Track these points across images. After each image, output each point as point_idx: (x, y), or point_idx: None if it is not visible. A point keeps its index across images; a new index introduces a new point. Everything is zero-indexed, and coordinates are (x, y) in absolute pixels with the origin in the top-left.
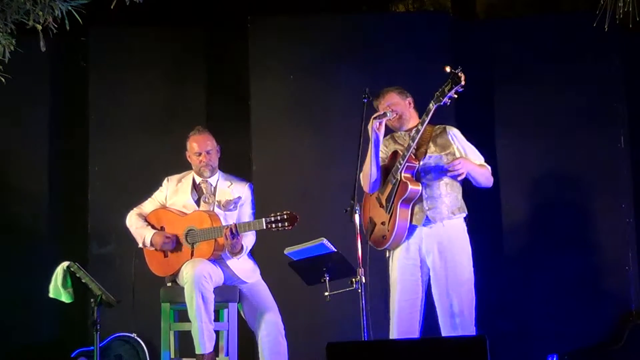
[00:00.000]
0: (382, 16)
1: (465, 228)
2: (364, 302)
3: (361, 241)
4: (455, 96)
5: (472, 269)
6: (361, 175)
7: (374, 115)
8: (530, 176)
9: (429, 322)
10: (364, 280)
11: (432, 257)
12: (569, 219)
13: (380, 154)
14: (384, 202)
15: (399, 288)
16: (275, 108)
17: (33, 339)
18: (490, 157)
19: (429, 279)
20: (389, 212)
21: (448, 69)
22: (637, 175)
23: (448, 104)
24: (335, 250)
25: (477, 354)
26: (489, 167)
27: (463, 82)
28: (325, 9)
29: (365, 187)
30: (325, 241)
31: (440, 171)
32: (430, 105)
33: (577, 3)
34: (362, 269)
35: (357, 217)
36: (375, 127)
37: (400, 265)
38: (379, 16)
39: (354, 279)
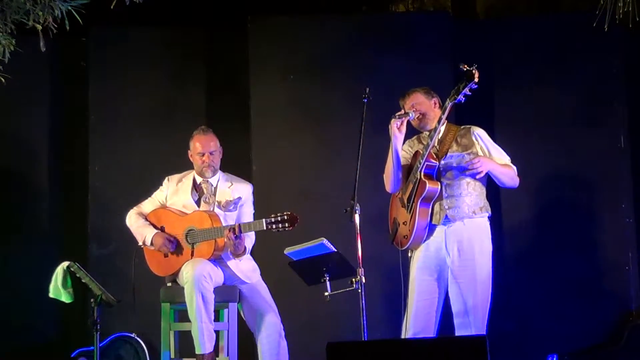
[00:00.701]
0: (382, 16)
1: (489, 227)
2: (364, 302)
3: (361, 241)
4: (470, 93)
5: (490, 269)
6: (384, 175)
7: (397, 114)
8: (530, 176)
9: (445, 322)
10: (364, 280)
11: (451, 256)
12: (569, 218)
13: (404, 154)
14: (405, 202)
15: (416, 288)
16: (275, 108)
17: (33, 339)
18: None
19: (448, 279)
20: (409, 212)
21: (463, 67)
22: (637, 175)
23: (463, 101)
24: (335, 250)
25: (477, 354)
26: (515, 168)
27: (476, 79)
28: (325, 9)
29: (387, 186)
30: (325, 241)
31: (461, 170)
32: (446, 103)
33: (577, 3)
34: (362, 269)
35: (357, 217)
36: (397, 126)
37: (419, 265)
38: (379, 16)
39: (354, 279)
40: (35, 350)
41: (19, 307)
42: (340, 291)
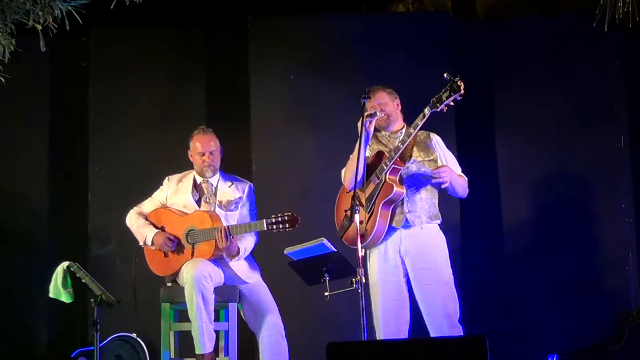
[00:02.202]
0: (382, 16)
1: (442, 233)
2: (364, 302)
3: (361, 242)
4: (452, 104)
5: (450, 270)
6: (344, 171)
7: (366, 113)
8: (530, 176)
9: (415, 323)
10: (364, 280)
11: (410, 259)
12: (569, 219)
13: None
14: (364, 201)
15: (381, 291)
16: (275, 108)
17: (33, 339)
18: (490, 157)
19: (409, 280)
20: (368, 212)
21: (447, 76)
22: (637, 175)
23: (445, 111)
24: (335, 250)
25: (477, 354)
26: (466, 178)
27: (462, 92)
28: (325, 9)
29: (348, 183)
30: (325, 241)
31: (422, 177)
32: (426, 110)
33: (577, 3)
34: (362, 269)
35: (357, 217)
36: (367, 125)
37: (380, 267)
38: (379, 16)
39: (354, 279)
40: (35, 350)
41: (19, 307)
42: (340, 291)
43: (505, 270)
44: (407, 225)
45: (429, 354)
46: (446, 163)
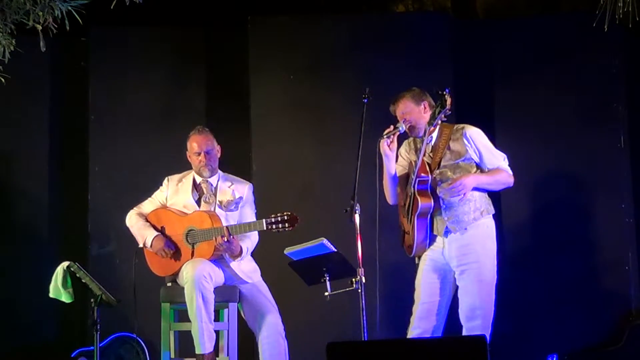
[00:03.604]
0: (382, 16)
1: (493, 227)
2: (364, 302)
3: (361, 241)
4: (445, 119)
5: (494, 270)
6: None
7: (384, 132)
8: (530, 176)
9: (454, 324)
10: (364, 280)
11: (455, 261)
12: (569, 219)
13: (402, 161)
14: (406, 213)
15: (421, 289)
16: (275, 108)
17: (33, 339)
18: None
19: (454, 281)
20: (410, 223)
21: (435, 90)
22: (637, 175)
23: (439, 124)
24: (335, 250)
25: (477, 354)
26: (507, 169)
27: (449, 106)
28: (325, 9)
29: (387, 199)
30: (325, 241)
31: None
32: (426, 127)
33: (577, 3)
34: (362, 269)
35: (357, 217)
36: (387, 143)
37: (425, 267)
38: (379, 16)
39: (354, 279)
40: (35, 350)
41: (19, 307)
42: (340, 291)
43: (505, 270)
44: (448, 232)
45: (429, 354)
46: (479, 159)
